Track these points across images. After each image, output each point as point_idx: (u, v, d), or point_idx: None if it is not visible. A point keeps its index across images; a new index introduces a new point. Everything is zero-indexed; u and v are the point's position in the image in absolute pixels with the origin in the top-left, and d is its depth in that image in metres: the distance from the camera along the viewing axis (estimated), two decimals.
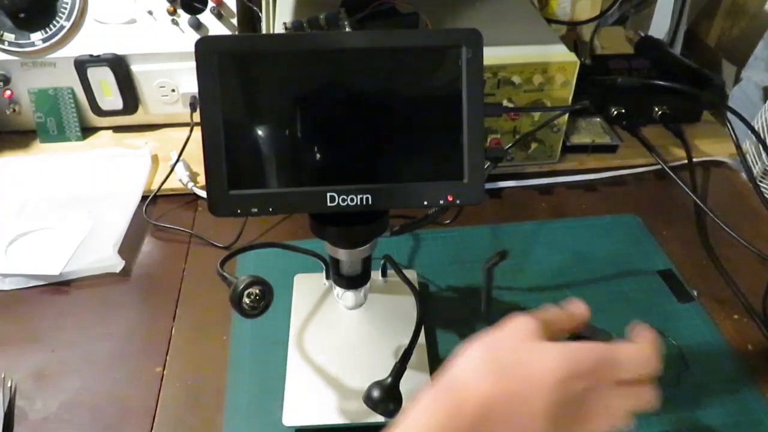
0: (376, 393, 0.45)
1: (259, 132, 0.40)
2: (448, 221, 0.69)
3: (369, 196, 0.41)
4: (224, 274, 0.47)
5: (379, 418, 0.47)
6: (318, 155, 0.41)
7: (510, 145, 0.74)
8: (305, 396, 0.51)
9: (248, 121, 0.40)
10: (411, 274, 0.59)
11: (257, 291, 0.43)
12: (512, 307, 0.61)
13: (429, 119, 0.41)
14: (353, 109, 0.41)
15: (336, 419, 0.50)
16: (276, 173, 0.41)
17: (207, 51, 0.38)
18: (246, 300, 0.43)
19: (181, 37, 0.81)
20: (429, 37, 0.41)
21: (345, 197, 0.41)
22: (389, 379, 0.46)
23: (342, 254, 0.49)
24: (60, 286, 0.65)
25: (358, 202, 0.41)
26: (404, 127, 0.41)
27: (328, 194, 0.41)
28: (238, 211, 0.40)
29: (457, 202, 0.41)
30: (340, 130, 0.41)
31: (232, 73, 0.39)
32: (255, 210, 0.40)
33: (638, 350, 0.36)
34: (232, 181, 0.40)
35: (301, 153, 0.41)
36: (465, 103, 0.40)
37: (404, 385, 0.46)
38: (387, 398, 0.45)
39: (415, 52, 0.41)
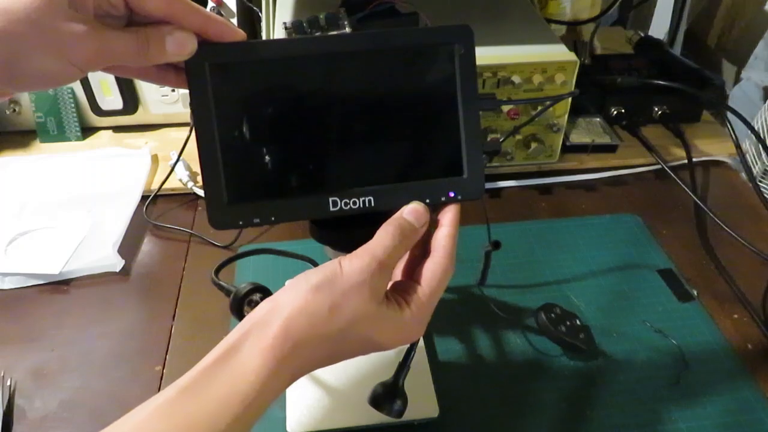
0: (380, 393, 0.45)
1: (256, 141, 0.40)
2: None
3: (371, 198, 0.41)
4: (220, 282, 0.47)
5: (384, 419, 0.47)
6: (317, 160, 0.41)
7: (503, 138, 0.73)
8: (308, 401, 0.51)
9: (244, 130, 0.39)
10: None
11: (257, 298, 0.43)
12: (512, 307, 0.61)
13: (425, 117, 0.41)
14: (349, 112, 0.41)
15: (341, 423, 0.50)
16: (276, 182, 0.40)
17: (197, 61, 0.37)
18: (247, 308, 0.42)
19: None
20: (421, 35, 0.41)
21: (347, 201, 0.40)
22: (393, 380, 0.45)
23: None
24: (60, 285, 0.65)
25: (361, 205, 0.40)
26: (401, 126, 0.41)
27: (330, 199, 0.40)
28: (240, 222, 0.40)
29: (459, 198, 0.41)
30: (338, 133, 0.41)
31: (224, 83, 0.38)
32: (257, 220, 0.40)
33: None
34: (231, 194, 0.39)
35: (300, 159, 0.41)
36: (460, 99, 0.40)
37: (407, 386, 0.46)
38: (392, 398, 0.45)
39: (407, 51, 0.40)
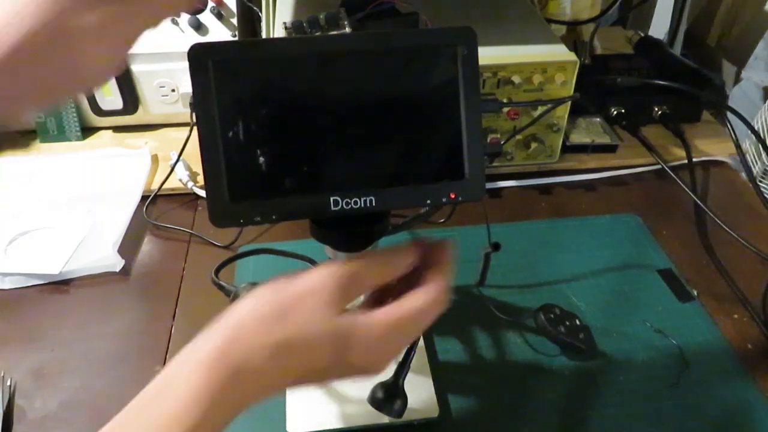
0: (380, 393, 0.45)
1: (258, 139, 0.40)
2: (442, 220, 0.69)
3: (372, 198, 0.41)
4: (220, 282, 0.47)
5: (384, 419, 0.46)
6: (318, 160, 0.41)
7: (505, 140, 0.74)
8: (308, 402, 0.51)
9: (246, 129, 0.40)
10: None
11: None
12: (512, 307, 0.61)
13: (427, 118, 0.41)
14: (351, 111, 0.41)
15: (341, 423, 0.50)
16: (277, 180, 0.40)
17: (201, 59, 0.37)
18: None
19: (181, 37, 0.81)
20: (424, 36, 0.41)
21: (348, 200, 0.40)
22: (393, 380, 0.45)
23: (343, 258, 0.48)
24: (60, 285, 0.65)
25: (362, 205, 0.40)
26: (403, 127, 0.41)
27: (331, 198, 0.40)
28: (241, 221, 0.40)
29: (460, 199, 0.41)
30: (340, 133, 0.41)
31: (227, 81, 0.38)
32: (258, 219, 0.40)
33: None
34: (233, 191, 0.39)
35: (302, 158, 0.41)
36: (462, 101, 0.40)
37: (407, 386, 0.46)
38: (392, 398, 0.45)
39: (410, 52, 0.40)
